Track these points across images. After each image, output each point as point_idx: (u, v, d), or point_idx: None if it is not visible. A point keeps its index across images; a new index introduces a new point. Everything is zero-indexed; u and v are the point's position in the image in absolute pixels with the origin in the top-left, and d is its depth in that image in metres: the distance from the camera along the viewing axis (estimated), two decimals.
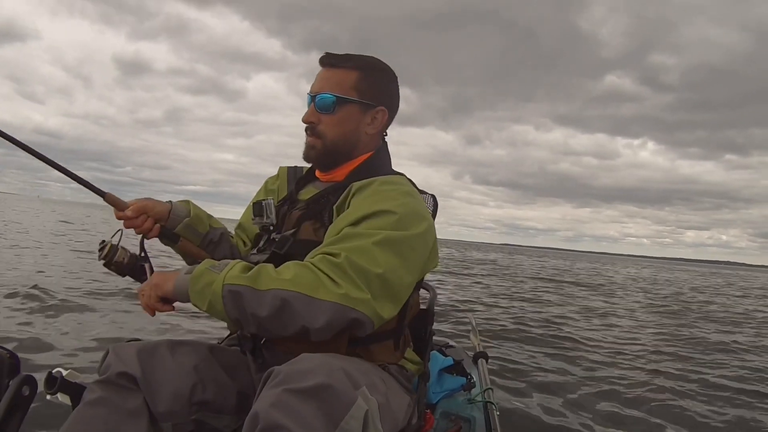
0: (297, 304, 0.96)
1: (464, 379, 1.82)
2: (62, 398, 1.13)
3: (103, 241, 1.27)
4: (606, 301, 8.17)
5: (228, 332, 1.36)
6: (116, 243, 1.27)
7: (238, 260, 1.05)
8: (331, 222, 1.16)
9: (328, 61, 1.28)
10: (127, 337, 1.21)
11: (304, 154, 1.31)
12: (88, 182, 1.26)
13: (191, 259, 1.39)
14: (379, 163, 1.32)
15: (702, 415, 2.86)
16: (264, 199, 1.30)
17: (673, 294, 13.01)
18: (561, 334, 4.93)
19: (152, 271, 1.27)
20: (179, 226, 1.36)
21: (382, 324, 1.04)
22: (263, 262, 1.07)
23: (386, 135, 1.36)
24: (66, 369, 1.15)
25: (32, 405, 1.09)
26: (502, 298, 7.60)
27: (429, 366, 1.42)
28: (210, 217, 1.45)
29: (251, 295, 0.98)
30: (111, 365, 1.07)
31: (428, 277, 1.37)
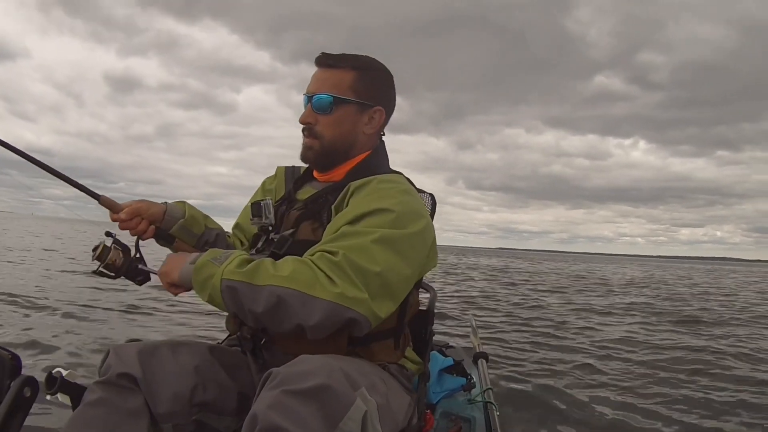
0: (292, 301, 0.97)
1: (464, 379, 1.83)
2: (62, 398, 1.13)
3: (98, 244, 1.28)
4: (606, 301, 8.13)
5: (228, 333, 1.34)
6: (110, 245, 1.27)
7: (240, 252, 1.06)
8: (329, 222, 1.17)
9: (325, 61, 1.29)
10: (127, 337, 1.22)
11: (301, 154, 1.32)
12: (82, 186, 1.30)
13: None
14: (377, 162, 1.32)
15: (703, 415, 2.87)
16: (262, 200, 1.30)
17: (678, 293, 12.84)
18: (561, 335, 4.95)
19: (146, 272, 1.29)
20: (174, 228, 1.37)
21: (380, 323, 1.05)
22: None
23: (383, 134, 1.37)
24: (66, 369, 1.16)
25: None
26: (502, 299, 7.60)
27: (429, 366, 1.44)
28: (206, 217, 1.46)
29: (247, 290, 0.99)
30: (111, 366, 1.08)
31: (427, 277, 1.40)
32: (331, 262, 1.00)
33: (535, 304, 7.51)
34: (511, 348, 4.21)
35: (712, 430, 2.67)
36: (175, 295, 1.18)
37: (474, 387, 1.86)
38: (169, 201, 1.41)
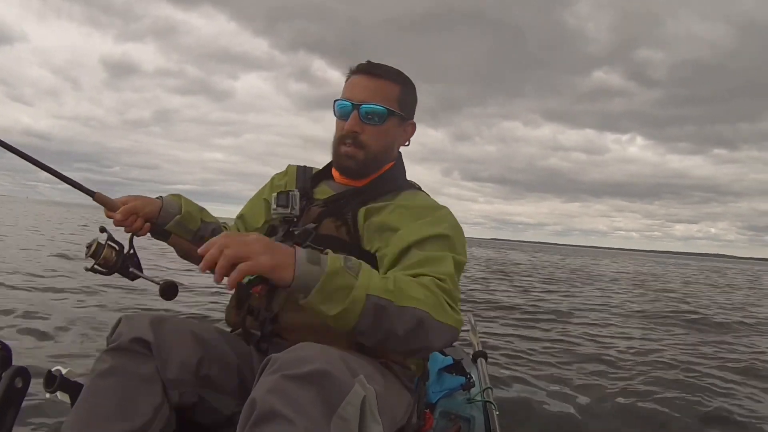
0: (429, 325, 0.99)
1: (463, 378, 1.83)
2: (62, 396, 1.13)
3: (92, 241, 1.28)
4: (607, 298, 8.10)
5: (230, 329, 1.37)
6: (104, 242, 1.27)
7: (361, 262, 0.98)
8: (355, 223, 1.23)
9: (371, 70, 1.29)
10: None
11: (338, 162, 1.33)
12: (77, 182, 1.27)
13: (182, 252, 1.42)
14: (400, 174, 1.38)
15: (705, 413, 2.88)
16: (291, 190, 1.31)
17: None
18: (561, 333, 4.94)
19: (140, 269, 1.30)
20: (170, 224, 1.38)
21: None
22: None
23: (407, 145, 1.40)
24: (65, 367, 1.16)
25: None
26: (502, 297, 7.60)
27: (428, 365, 1.43)
28: (201, 210, 1.46)
29: (394, 311, 0.96)
30: (123, 333, 1.07)
31: None
32: (445, 290, 1.04)
33: (535, 301, 7.50)
34: (510, 346, 4.21)
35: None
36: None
37: (473, 386, 1.86)
38: (164, 195, 1.42)
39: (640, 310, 7.66)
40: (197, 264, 1.09)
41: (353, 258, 0.98)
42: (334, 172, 1.39)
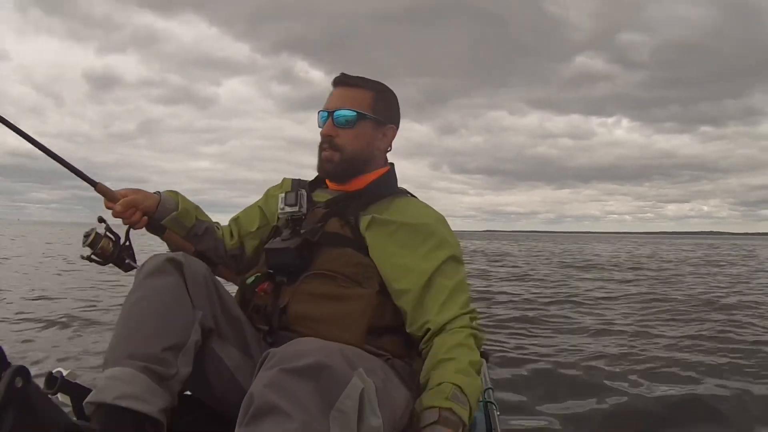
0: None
1: None
2: (62, 398, 1.10)
3: (90, 230, 1.36)
4: (609, 295, 8.00)
5: None
6: (102, 232, 1.35)
7: (467, 397, 1.13)
8: (357, 221, 1.35)
9: (346, 81, 1.44)
10: None
11: (319, 166, 1.45)
12: (80, 171, 1.38)
13: (175, 247, 1.47)
14: (394, 180, 1.52)
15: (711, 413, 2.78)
16: (298, 190, 1.40)
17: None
18: (563, 333, 4.86)
19: (135, 261, 1.38)
20: (167, 219, 1.44)
21: (396, 320, 1.29)
22: (294, 247, 1.28)
23: (389, 150, 1.51)
24: (66, 369, 1.13)
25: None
26: (502, 295, 7.55)
27: None
28: (197, 209, 1.54)
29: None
30: (157, 257, 1.15)
31: None
32: (473, 327, 1.26)
33: (534, 298, 7.43)
34: (512, 346, 4.14)
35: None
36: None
37: None
38: (162, 190, 1.49)
39: (642, 297, 7.59)
40: None
41: (462, 394, 1.13)
42: (327, 181, 1.50)
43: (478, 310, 1.36)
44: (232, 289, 1.34)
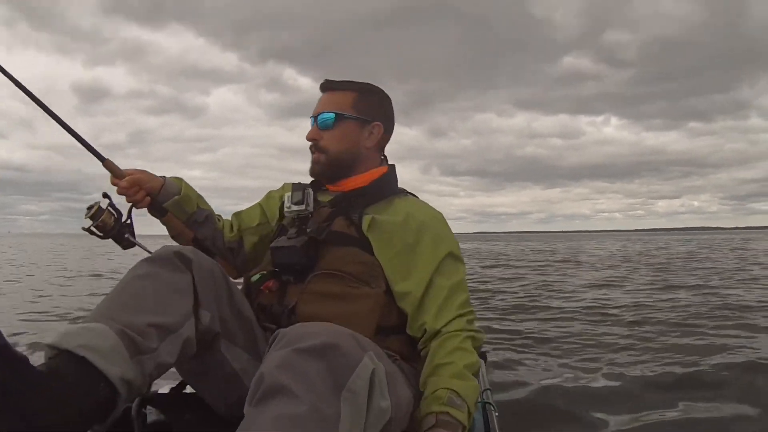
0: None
1: None
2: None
3: (94, 203, 1.38)
4: (608, 292, 8.00)
5: None
6: (105, 207, 1.38)
7: (465, 402, 1.17)
8: (360, 221, 1.37)
9: (328, 86, 1.49)
10: None
11: (310, 170, 1.50)
12: (90, 145, 1.42)
13: (175, 232, 1.52)
14: (394, 180, 1.55)
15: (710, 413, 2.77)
16: (305, 189, 1.43)
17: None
18: (561, 333, 4.86)
19: (134, 236, 1.42)
20: (169, 202, 1.48)
21: (402, 319, 1.32)
22: (301, 246, 1.29)
23: (385, 156, 1.55)
24: None
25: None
26: (499, 295, 7.55)
27: None
28: (199, 197, 1.57)
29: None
30: (166, 248, 1.12)
31: None
32: (473, 338, 1.29)
33: (533, 296, 7.44)
34: (510, 347, 4.14)
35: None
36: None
37: None
38: (168, 176, 1.52)
39: (643, 295, 7.61)
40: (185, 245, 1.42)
41: (458, 398, 1.16)
42: (327, 184, 1.53)
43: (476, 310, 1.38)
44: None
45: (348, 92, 1.47)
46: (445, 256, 1.36)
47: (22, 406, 0.77)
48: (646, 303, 6.59)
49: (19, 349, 0.83)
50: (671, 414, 2.76)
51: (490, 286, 8.82)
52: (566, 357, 3.89)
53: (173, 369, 1.12)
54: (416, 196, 1.56)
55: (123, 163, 1.47)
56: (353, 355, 0.89)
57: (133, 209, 1.44)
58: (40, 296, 7.41)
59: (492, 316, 5.77)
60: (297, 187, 1.50)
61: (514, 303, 6.86)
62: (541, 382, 3.22)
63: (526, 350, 4.07)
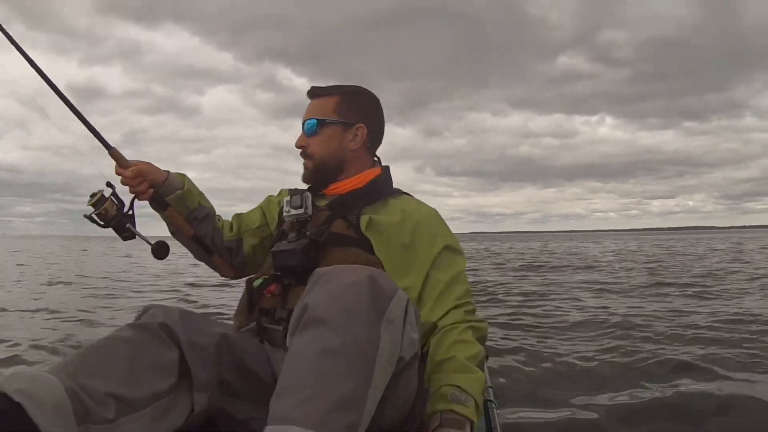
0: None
1: None
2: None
3: (97, 191, 1.39)
4: (607, 291, 8.00)
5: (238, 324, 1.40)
6: (108, 195, 1.39)
7: (468, 397, 1.18)
8: (358, 221, 1.39)
9: (313, 92, 1.53)
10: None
11: (302, 176, 1.54)
12: (97, 132, 1.43)
13: (174, 228, 1.53)
14: (389, 181, 1.58)
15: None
16: (303, 192, 1.46)
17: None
18: (565, 329, 4.86)
19: (135, 227, 1.42)
20: (171, 196, 1.50)
21: None
22: (301, 249, 1.29)
23: (375, 153, 1.57)
24: None
25: None
26: (500, 294, 7.54)
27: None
28: (201, 194, 1.59)
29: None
30: (155, 315, 1.07)
31: None
32: (474, 328, 1.32)
33: (533, 295, 7.43)
34: (511, 344, 4.13)
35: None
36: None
37: None
38: (172, 171, 1.54)
39: (645, 293, 7.59)
40: (184, 242, 1.57)
41: (461, 393, 1.17)
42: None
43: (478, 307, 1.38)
44: (228, 285, 1.34)
45: (332, 97, 1.51)
46: (441, 249, 1.39)
47: None
48: (647, 303, 6.60)
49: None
50: (672, 414, 2.76)
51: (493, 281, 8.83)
52: (567, 356, 3.89)
53: None
54: (411, 195, 1.59)
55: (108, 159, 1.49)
56: (389, 287, 0.96)
57: (136, 201, 1.45)
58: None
59: (493, 312, 5.78)
60: (295, 192, 1.51)
61: (514, 300, 6.88)
62: (543, 378, 3.23)
63: (528, 349, 4.06)
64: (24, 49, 1.40)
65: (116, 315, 5.55)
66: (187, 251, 1.66)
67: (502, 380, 3.11)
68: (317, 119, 1.48)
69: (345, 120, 1.50)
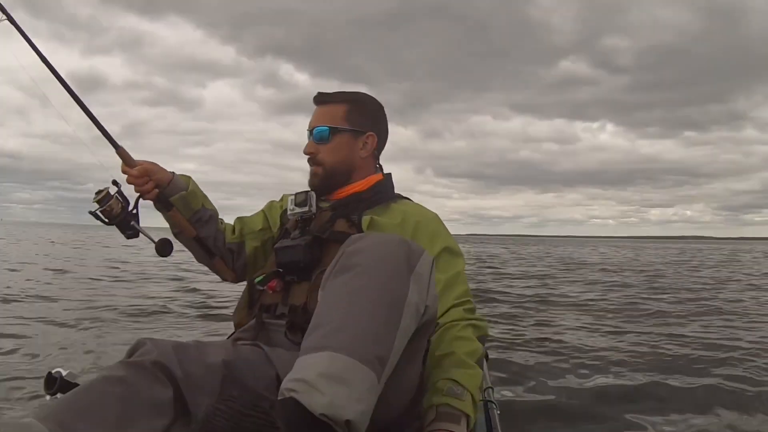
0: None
1: None
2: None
3: (103, 189, 1.42)
4: (608, 292, 8.03)
5: (234, 328, 1.42)
6: (113, 193, 1.42)
7: (465, 390, 1.20)
8: (360, 221, 1.41)
9: (321, 99, 1.54)
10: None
11: (309, 182, 1.55)
12: (106, 131, 1.46)
13: (177, 229, 1.54)
14: (391, 187, 1.60)
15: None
16: (307, 191, 1.49)
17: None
18: (565, 330, 4.89)
19: (138, 225, 1.44)
20: (176, 197, 1.51)
21: None
22: (305, 244, 1.33)
23: (379, 160, 1.60)
24: (65, 369, 1.14)
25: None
26: (501, 293, 7.56)
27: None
28: (205, 197, 1.60)
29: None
30: (148, 352, 1.02)
31: None
32: (473, 326, 1.34)
33: (533, 296, 7.46)
34: (511, 345, 4.16)
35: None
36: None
37: None
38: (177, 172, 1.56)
39: (647, 294, 7.65)
40: (187, 244, 1.58)
41: (456, 387, 1.19)
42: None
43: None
44: (226, 286, 1.34)
45: (340, 104, 1.53)
46: (440, 251, 1.41)
47: None
48: (647, 305, 6.62)
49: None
50: (673, 413, 2.77)
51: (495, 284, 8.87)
52: (568, 355, 3.91)
53: None
54: (411, 200, 1.62)
55: (117, 155, 1.47)
56: (419, 246, 1.05)
57: (140, 200, 1.47)
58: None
59: (494, 311, 5.80)
60: (299, 193, 1.54)
61: (515, 300, 6.89)
62: (542, 380, 3.23)
63: (528, 349, 4.07)
64: (20, 43, 1.45)
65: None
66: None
67: (502, 380, 3.12)
68: (329, 127, 1.50)
69: (355, 128, 1.52)
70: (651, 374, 3.39)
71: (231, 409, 1.05)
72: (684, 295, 7.99)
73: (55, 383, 1.10)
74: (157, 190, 1.47)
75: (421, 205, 1.57)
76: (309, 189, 1.57)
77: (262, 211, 1.69)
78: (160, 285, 7.83)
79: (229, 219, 1.72)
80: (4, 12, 1.44)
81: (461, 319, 1.34)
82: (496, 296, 7.38)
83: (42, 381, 1.12)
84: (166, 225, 1.57)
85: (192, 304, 5.89)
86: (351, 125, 1.52)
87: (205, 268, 1.66)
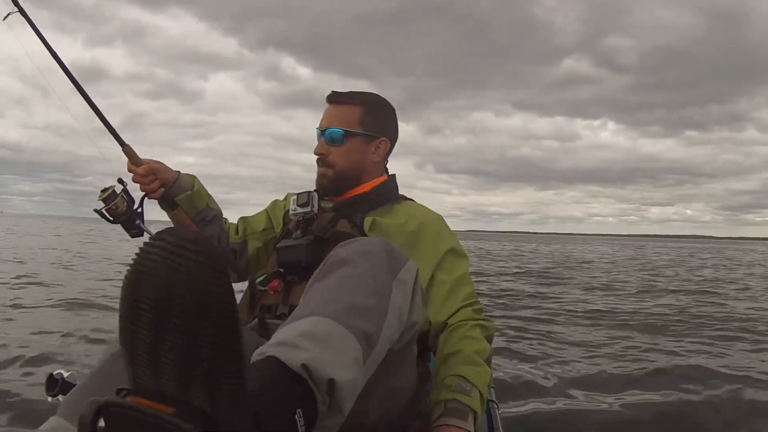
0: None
1: None
2: (63, 401, 1.07)
3: (108, 187, 1.42)
4: (609, 293, 8.02)
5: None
6: (119, 192, 1.42)
7: (473, 387, 1.19)
8: (362, 222, 1.41)
9: (335, 98, 1.51)
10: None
11: (317, 182, 1.53)
12: (113, 129, 1.46)
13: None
14: (395, 188, 1.59)
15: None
16: (310, 192, 1.48)
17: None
18: (566, 328, 4.89)
19: (143, 224, 1.45)
20: (181, 196, 1.51)
21: None
22: (306, 244, 1.32)
23: (387, 162, 1.59)
24: (67, 371, 1.15)
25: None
26: (502, 293, 7.55)
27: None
28: (209, 197, 1.61)
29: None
30: None
31: None
32: (481, 327, 1.33)
33: (534, 294, 7.45)
34: (512, 343, 4.16)
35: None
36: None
37: None
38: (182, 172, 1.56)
39: (650, 295, 7.63)
40: None
41: (466, 384, 1.19)
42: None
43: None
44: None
45: (355, 106, 1.49)
46: (445, 252, 1.41)
47: None
48: (647, 306, 6.62)
49: None
50: (674, 414, 2.77)
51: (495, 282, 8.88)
52: (569, 356, 3.91)
53: None
54: (414, 201, 1.61)
55: (117, 147, 1.48)
56: (403, 254, 1.05)
57: (146, 199, 1.48)
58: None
59: (495, 311, 5.80)
60: (301, 194, 1.53)
61: (516, 299, 6.91)
62: (544, 378, 3.24)
63: (529, 348, 4.07)
64: (25, 29, 1.45)
65: None
66: None
67: (503, 380, 3.12)
68: (344, 130, 1.47)
69: (369, 133, 1.50)
70: (660, 378, 3.35)
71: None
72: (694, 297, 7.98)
73: (56, 385, 1.11)
74: (162, 190, 1.48)
75: (425, 207, 1.57)
76: (313, 188, 1.56)
77: (266, 210, 1.69)
78: None
79: (227, 213, 1.73)
80: (16, 4, 1.45)
81: (469, 319, 1.34)
82: (502, 293, 7.40)
83: (42, 381, 1.13)
84: (168, 219, 1.57)
85: None
86: (365, 129, 1.49)
87: None
